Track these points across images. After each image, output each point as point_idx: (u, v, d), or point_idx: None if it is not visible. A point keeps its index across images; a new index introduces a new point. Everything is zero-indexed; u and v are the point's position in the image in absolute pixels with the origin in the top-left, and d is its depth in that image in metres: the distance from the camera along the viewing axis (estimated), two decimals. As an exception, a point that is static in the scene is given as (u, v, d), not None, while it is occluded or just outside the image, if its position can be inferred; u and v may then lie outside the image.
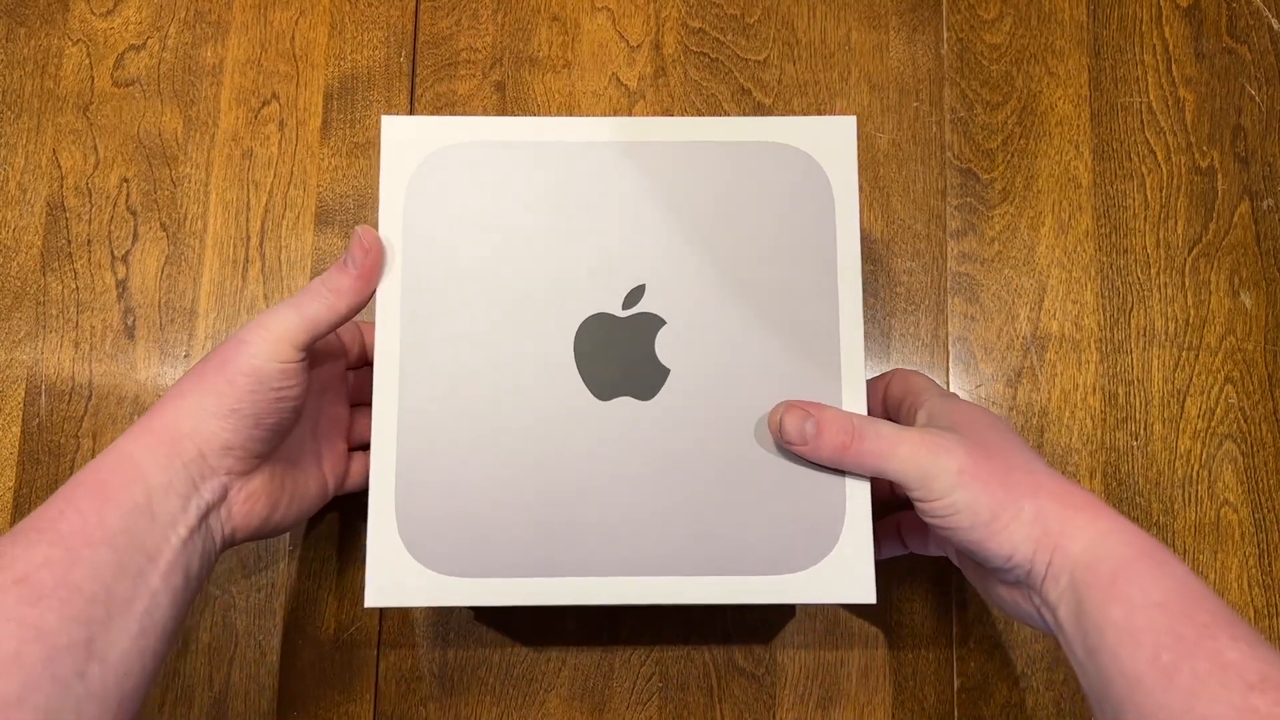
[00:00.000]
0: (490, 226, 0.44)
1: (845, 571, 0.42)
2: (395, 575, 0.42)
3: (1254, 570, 0.52)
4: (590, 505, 0.43)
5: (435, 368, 0.43)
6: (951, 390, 0.53)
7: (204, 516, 0.39)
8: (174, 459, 0.39)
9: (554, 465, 0.43)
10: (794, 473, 0.43)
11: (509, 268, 0.44)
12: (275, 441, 0.42)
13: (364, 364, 0.49)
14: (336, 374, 0.47)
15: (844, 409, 0.42)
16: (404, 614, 0.51)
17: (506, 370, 0.43)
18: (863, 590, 0.42)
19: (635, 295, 0.44)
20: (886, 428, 0.40)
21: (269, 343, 0.40)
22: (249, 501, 0.41)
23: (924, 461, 0.39)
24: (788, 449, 0.42)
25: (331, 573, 0.51)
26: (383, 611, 0.51)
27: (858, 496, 0.42)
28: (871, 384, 0.46)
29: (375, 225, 0.44)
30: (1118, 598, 0.35)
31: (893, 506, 0.49)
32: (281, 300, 0.42)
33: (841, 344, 0.43)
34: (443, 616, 0.51)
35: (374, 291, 0.43)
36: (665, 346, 0.44)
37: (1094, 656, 0.35)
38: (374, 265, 0.42)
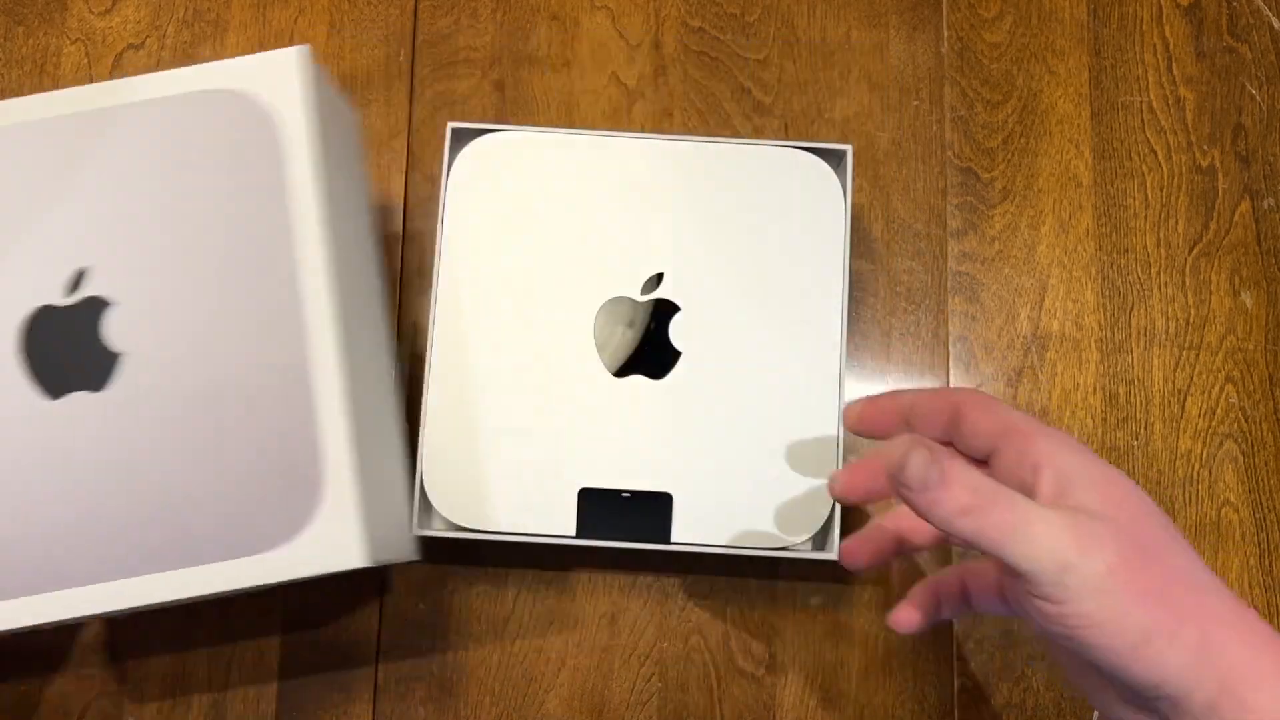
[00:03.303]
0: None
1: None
2: None
3: (1254, 570, 0.51)
4: None
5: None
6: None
7: None
8: None
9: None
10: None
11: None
12: None
13: None
14: None
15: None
16: (404, 614, 0.51)
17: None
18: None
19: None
20: (1021, 499, 0.32)
21: None
22: None
23: (1064, 553, 0.30)
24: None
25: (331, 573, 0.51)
26: (382, 613, 0.51)
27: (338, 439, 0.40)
28: (891, 399, 0.38)
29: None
30: None
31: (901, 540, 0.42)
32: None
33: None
34: (443, 616, 0.51)
35: None
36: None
37: None
38: None
